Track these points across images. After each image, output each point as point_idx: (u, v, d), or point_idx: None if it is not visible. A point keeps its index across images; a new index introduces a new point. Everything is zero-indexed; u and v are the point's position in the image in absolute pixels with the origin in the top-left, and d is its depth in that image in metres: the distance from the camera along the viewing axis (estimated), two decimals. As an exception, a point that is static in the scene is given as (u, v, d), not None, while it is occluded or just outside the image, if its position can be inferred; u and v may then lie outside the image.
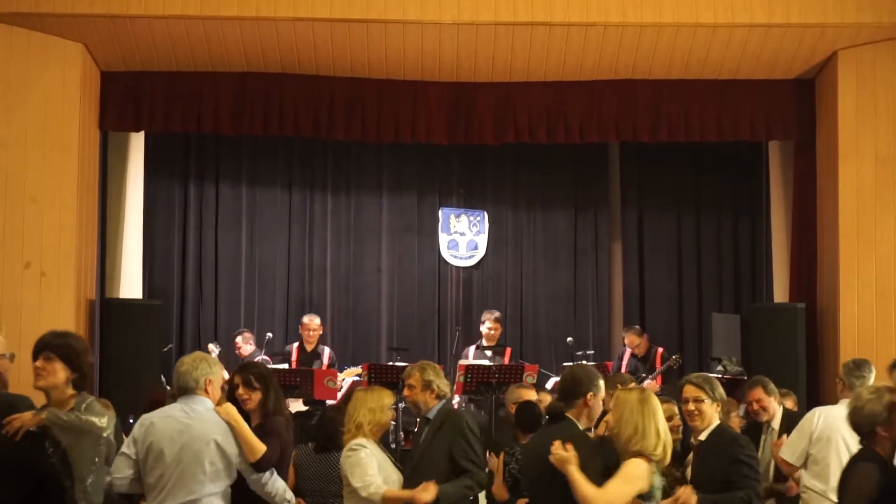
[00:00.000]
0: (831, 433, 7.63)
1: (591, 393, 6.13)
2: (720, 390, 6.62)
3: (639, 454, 5.81)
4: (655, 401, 5.96)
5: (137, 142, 13.73)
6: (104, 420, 5.57)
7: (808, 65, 12.35)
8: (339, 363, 13.56)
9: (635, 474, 5.83)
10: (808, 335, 12.33)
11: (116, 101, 12.53)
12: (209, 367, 6.39)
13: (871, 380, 7.85)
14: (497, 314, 13.55)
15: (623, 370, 13.49)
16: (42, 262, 11.51)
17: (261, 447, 6.13)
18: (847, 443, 7.49)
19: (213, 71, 12.49)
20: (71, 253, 11.63)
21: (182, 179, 15.28)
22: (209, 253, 15.30)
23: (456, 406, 12.85)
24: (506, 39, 11.93)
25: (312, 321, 13.45)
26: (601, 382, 6.28)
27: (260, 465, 6.11)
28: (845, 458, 7.42)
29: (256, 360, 13.05)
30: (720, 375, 12.26)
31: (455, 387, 12.32)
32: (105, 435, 5.58)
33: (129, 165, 13.66)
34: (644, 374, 13.27)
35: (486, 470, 7.26)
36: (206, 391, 6.32)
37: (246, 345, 13.58)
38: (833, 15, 11.62)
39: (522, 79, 12.63)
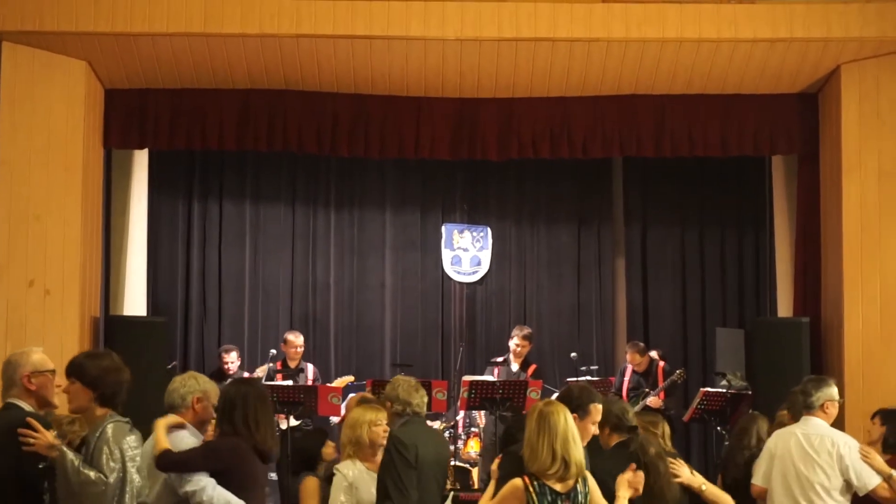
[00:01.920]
0: (783, 454, 7.71)
1: (574, 415, 6.18)
2: None
3: (532, 475, 5.87)
4: (556, 415, 5.97)
5: (141, 159, 13.73)
6: (113, 464, 5.52)
7: (812, 79, 12.36)
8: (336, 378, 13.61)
9: (506, 494, 5.91)
10: (812, 349, 12.30)
11: (120, 119, 12.53)
12: (197, 384, 6.44)
13: (821, 398, 7.84)
14: (527, 331, 13.47)
15: (625, 385, 13.50)
16: (46, 280, 11.51)
17: (163, 445, 6.17)
18: (796, 465, 7.59)
19: (217, 88, 12.49)
20: (75, 270, 11.64)
21: (186, 196, 15.28)
22: (213, 269, 15.30)
23: (461, 421, 12.87)
24: (509, 55, 11.94)
25: (297, 338, 13.41)
26: (592, 407, 6.37)
27: (158, 462, 6.14)
28: (792, 481, 7.56)
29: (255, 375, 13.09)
30: (724, 390, 12.28)
31: (459, 402, 12.32)
32: (111, 480, 5.53)
33: (133, 182, 13.65)
34: (647, 389, 13.26)
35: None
36: (194, 409, 6.37)
37: (232, 362, 13.48)
38: (837, 29, 11.63)
39: (526, 94, 12.63)
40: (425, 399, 7.41)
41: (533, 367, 13.31)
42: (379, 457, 7.23)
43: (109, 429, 5.57)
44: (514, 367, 13.20)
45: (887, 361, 11.69)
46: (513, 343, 13.34)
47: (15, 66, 11.63)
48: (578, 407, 6.31)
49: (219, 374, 13.09)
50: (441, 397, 11.89)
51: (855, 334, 11.83)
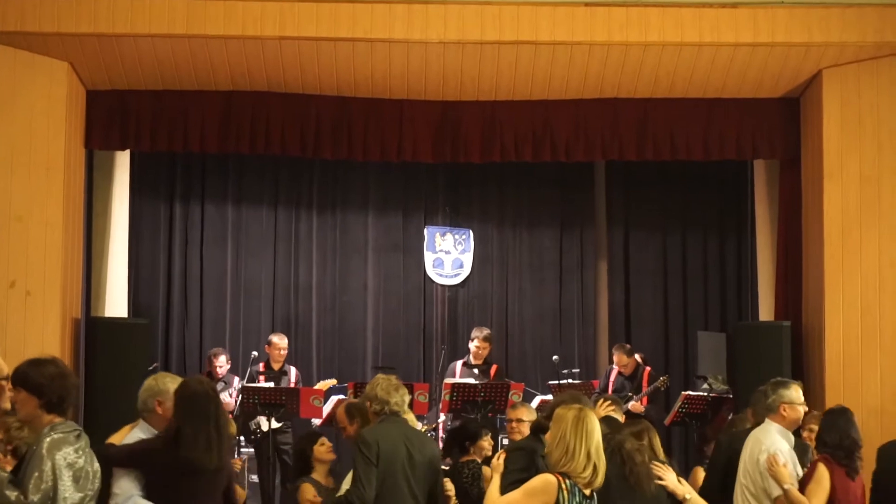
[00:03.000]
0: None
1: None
2: None
3: (564, 474, 5.89)
4: (592, 422, 6.01)
5: (123, 160, 13.68)
6: (42, 484, 5.22)
7: (794, 83, 12.39)
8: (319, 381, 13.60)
9: (537, 488, 5.92)
10: (793, 353, 12.33)
11: (102, 120, 12.50)
12: (156, 385, 6.38)
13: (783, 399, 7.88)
14: (486, 332, 13.53)
15: (609, 389, 13.50)
16: (27, 281, 11.47)
17: (110, 440, 6.31)
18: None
19: (199, 89, 12.47)
20: (56, 272, 11.60)
21: (167, 198, 15.24)
22: (194, 271, 15.27)
23: (441, 425, 12.87)
24: (492, 58, 11.95)
25: (282, 340, 13.41)
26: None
27: (98, 455, 5.98)
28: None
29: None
30: (706, 394, 12.31)
31: (441, 405, 12.33)
32: (35, 500, 5.22)
33: (115, 184, 13.60)
34: (630, 394, 13.27)
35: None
36: (157, 412, 6.32)
37: (221, 366, 13.47)
38: (818, 34, 11.66)
39: (508, 97, 12.64)
40: (406, 398, 7.37)
41: (495, 367, 13.33)
42: None
43: (45, 444, 5.37)
44: (475, 370, 13.22)
45: (868, 365, 11.72)
46: (473, 345, 13.38)
47: (-4, 67, 11.61)
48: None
49: (208, 377, 13.09)
50: (423, 400, 11.90)
51: (836, 338, 11.85)
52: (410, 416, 7.48)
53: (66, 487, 5.25)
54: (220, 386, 13.01)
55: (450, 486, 7.33)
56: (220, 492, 6.39)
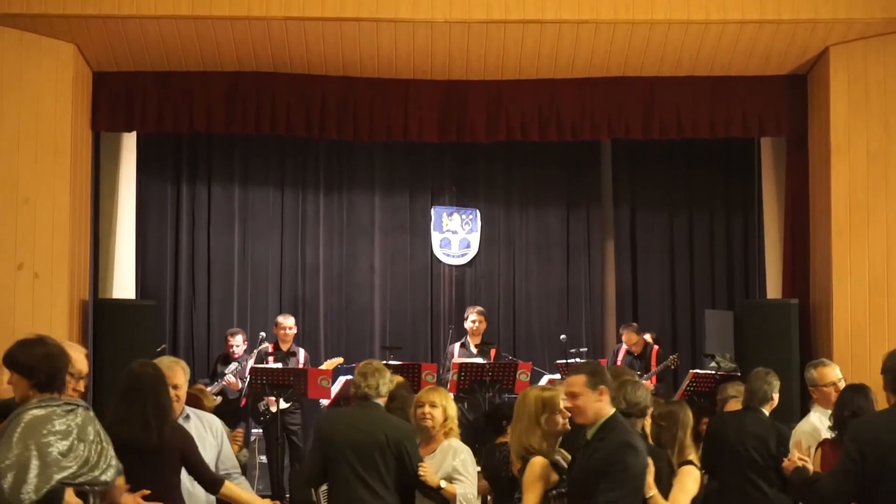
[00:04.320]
0: None
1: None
2: None
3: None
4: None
5: (129, 142, 13.68)
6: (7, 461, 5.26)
7: (800, 61, 12.36)
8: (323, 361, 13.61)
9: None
10: (801, 331, 12.33)
11: (108, 102, 12.49)
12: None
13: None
14: (480, 307, 13.62)
15: (617, 368, 13.50)
16: (35, 264, 11.48)
17: None
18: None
19: (205, 71, 12.46)
20: (64, 254, 11.61)
21: (174, 179, 15.27)
22: (202, 253, 15.29)
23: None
24: (497, 37, 11.92)
25: (287, 321, 13.41)
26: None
27: None
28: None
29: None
30: (714, 372, 12.31)
31: (448, 385, 12.33)
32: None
33: (122, 166, 13.61)
34: (639, 373, 13.27)
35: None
36: None
37: (238, 345, 13.50)
38: (824, 11, 11.62)
39: (514, 77, 12.61)
40: (383, 382, 7.27)
41: (493, 350, 13.30)
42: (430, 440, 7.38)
43: (23, 421, 5.40)
44: (473, 350, 13.20)
45: (876, 342, 11.69)
46: (469, 321, 13.39)
47: (2, 50, 11.56)
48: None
49: (225, 357, 13.18)
50: (430, 380, 11.88)
51: (843, 316, 11.85)
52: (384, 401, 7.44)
53: (34, 462, 5.23)
54: (233, 366, 13.03)
55: (425, 471, 7.18)
56: (171, 470, 6.41)
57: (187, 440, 6.49)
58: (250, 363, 13.04)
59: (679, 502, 6.16)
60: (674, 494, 6.36)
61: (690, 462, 6.78)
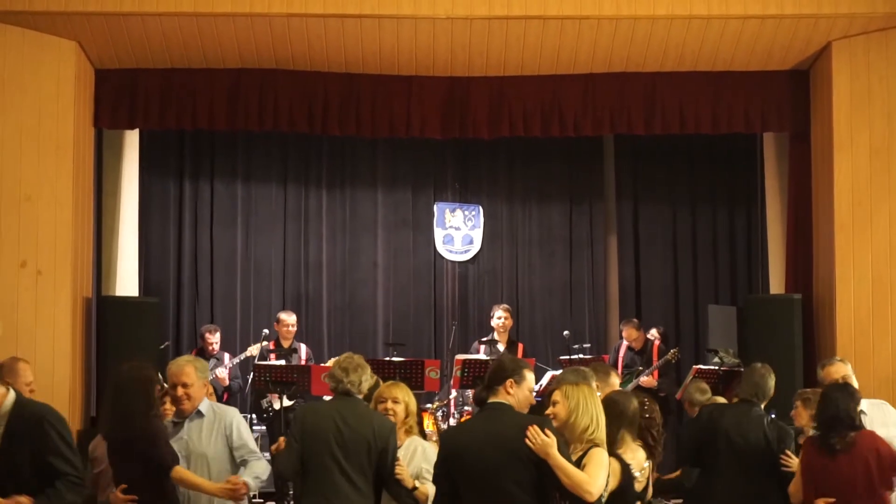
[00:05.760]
0: None
1: (511, 380, 6.19)
2: None
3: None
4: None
5: (132, 139, 13.69)
6: None
7: (803, 56, 12.35)
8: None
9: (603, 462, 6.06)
10: (804, 326, 12.34)
11: (111, 99, 12.50)
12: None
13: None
14: (505, 305, 13.68)
15: (619, 363, 13.51)
16: (38, 261, 11.49)
17: None
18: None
19: (208, 67, 12.47)
20: (67, 251, 11.62)
21: (177, 176, 15.25)
22: (205, 249, 15.28)
23: (453, 401, 12.85)
24: (500, 33, 11.92)
25: (289, 317, 13.42)
26: (527, 373, 6.31)
27: None
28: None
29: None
30: (717, 367, 12.31)
31: (452, 381, 12.33)
32: None
33: (124, 163, 13.63)
34: (641, 368, 13.28)
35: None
36: None
37: (216, 342, 13.49)
38: (827, 6, 11.62)
39: (517, 73, 12.61)
40: (362, 379, 7.18)
41: (521, 346, 13.31)
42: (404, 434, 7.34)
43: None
44: (501, 347, 13.20)
45: (879, 337, 11.72)
46: (495, 319, 13.38)
47: (4, 47, 11.57)
48: (516, 374, 6.26)
49: (201, 354, 13.07)
50: (434, 376, 11.88)
51: (847, 310, 11.85)
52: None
53: None
54: (212, 363, 12.98)
55: (402, 471, 7.13)
56: (145, 461, 6.64)
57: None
58: (226, 359, 13.09)
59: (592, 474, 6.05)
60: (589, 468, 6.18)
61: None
